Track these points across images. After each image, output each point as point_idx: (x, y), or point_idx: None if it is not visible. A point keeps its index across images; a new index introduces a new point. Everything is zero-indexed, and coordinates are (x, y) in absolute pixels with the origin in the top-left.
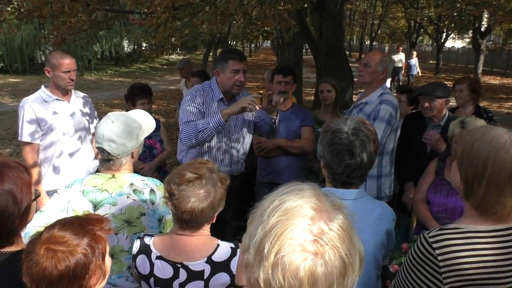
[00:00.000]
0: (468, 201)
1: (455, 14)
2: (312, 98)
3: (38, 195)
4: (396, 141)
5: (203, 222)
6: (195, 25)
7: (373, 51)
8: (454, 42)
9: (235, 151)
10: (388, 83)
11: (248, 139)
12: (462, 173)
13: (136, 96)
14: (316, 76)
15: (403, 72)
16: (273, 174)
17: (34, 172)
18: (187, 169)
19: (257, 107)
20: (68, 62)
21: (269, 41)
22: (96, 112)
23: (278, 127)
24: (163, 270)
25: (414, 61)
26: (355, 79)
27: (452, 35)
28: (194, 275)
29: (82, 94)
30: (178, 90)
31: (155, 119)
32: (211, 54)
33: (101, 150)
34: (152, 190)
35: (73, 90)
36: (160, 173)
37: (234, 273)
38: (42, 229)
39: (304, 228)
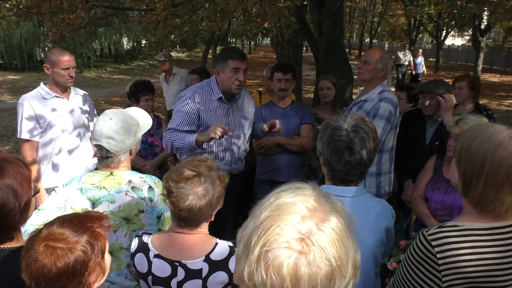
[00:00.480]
0: (466, 198)
1: (456, 11)
2: (312, 95)
3: (37, 191)
4: (395, 139)
5: (201, 220)
6: (195, 22)
7: (373, 49)
8: (454, 40)
9: (236, 148)
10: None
11: (248, 135)
12: (461, 170)
13: (140, 93)
14: (316, 74)
15: (411, 71)
16: (273, 171)
17: (33, 169)
18: (185, 167)
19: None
20: (67, 59)
21: (268, 39)
22: (95, 110)
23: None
24: (161, 269)
25: (420, 59)
26: (355, 77)
27: (452, 32)
28: (192, 274)
29: (82, 91)
30: None
31: (157, 116)
32: (210, 51)
33: (99, 147)
34: (150, 187)
35: (72, 87)
36: (161, 170)
37: (232, 271)
38: (41, 226)
39: (293, 225)
